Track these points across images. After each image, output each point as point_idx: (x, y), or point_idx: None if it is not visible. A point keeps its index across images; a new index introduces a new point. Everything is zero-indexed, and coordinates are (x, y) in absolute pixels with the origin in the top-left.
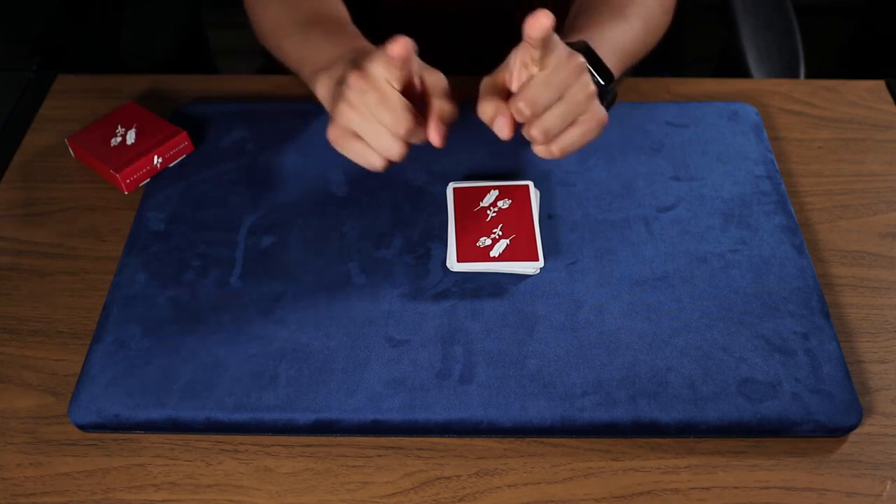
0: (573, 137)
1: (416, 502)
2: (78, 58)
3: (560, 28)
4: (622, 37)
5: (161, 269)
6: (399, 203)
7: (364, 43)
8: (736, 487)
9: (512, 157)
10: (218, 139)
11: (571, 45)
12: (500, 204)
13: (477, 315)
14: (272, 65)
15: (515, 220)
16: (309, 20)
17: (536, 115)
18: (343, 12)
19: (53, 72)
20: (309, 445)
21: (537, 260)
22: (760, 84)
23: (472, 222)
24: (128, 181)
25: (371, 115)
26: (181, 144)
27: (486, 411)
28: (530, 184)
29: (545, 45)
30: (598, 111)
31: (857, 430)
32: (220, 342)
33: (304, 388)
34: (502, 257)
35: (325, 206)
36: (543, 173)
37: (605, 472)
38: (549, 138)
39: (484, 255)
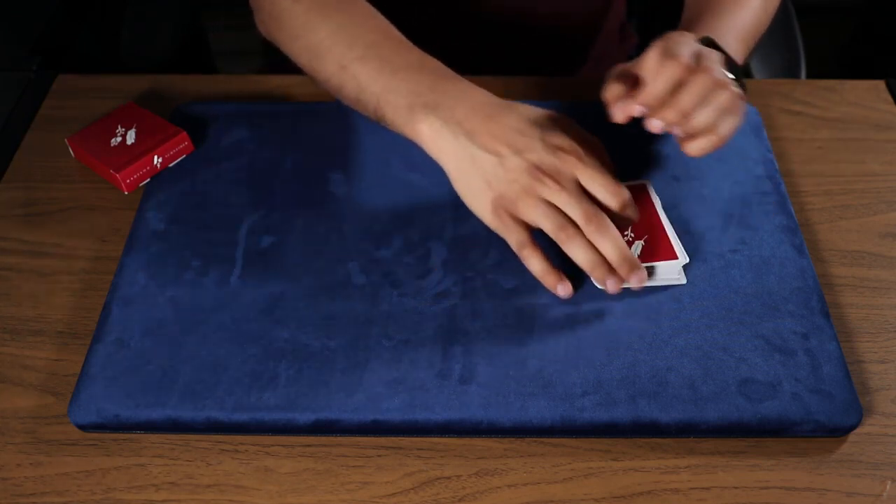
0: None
1: (416, 502)
2: (78, 58)
3: (676, 17)
4: (745, 23)
5: (161, 269)
6: (399, 203)
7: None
8: (736, 487)
9: None
10: (218, 139)
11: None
12: None
13: (477, 315)
14: (272, 65)
15: (643, 220)
16: (375, 41)
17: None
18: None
19: (53, 72)
20: (309, 445)
21: (676, 258)
22: (760, 84)
23: None
24: (128, 181)
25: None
26: (181, 144)
27: (486, 411)
28: (648, 182)
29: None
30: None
31: (857, 430)
32: (220, 342)
33: (304, 388)
34: (641, 258)
35: (324, 206)
36: None
37: (605, 472)
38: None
39: None
